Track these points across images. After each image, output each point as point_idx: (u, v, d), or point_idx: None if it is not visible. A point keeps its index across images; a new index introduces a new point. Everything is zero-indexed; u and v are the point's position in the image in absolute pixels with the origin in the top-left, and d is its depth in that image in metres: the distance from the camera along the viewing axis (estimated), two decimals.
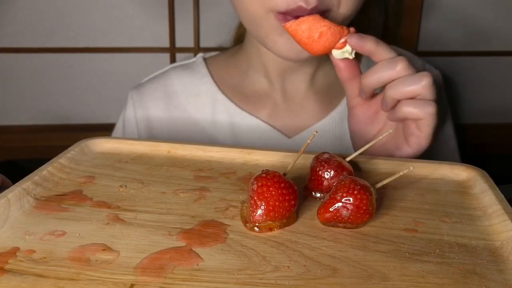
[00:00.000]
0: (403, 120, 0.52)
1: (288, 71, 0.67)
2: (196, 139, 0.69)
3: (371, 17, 0.76)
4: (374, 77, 0.50)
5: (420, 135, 0.51)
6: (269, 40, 0.58)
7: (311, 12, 0.52)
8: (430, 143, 0.52)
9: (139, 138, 0.68)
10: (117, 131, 0.76)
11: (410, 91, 0.49)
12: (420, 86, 0.49)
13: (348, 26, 0.63)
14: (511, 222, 0.36)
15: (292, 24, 0.51)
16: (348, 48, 0.51)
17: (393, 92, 0.50)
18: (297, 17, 0.52)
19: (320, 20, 0.51)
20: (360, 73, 0.54)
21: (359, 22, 0.73)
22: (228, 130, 0.69)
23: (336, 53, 0.52)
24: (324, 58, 0.68)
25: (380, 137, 0.44)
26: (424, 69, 0.73)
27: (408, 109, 0.50)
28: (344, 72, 0.53)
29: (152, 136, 0.72)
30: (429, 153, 0.54)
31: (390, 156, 0.53)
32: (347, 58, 0.53)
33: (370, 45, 0.50)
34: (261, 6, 0.55)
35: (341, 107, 0.68)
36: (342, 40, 0.51)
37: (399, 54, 0.71)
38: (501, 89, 0.97)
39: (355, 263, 0.33)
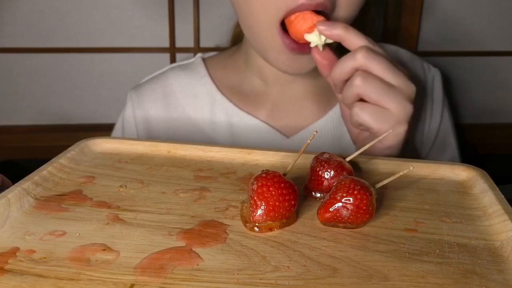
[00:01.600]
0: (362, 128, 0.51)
1: (286, 74, 0.67)
2: (195, 139, 0.69)
3: (370, 16, 0.76)
4: (338, 69, 0.50)
5: (381, 146, 0.51)
6: (270, 56, 0.59)
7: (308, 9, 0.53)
8: (399, 147, 0.51)
9: (139, 138, 0.68)
10: (116, 131, 0.76)
11: (349, 68, 0.49)
12: (354, 60, 0.48)
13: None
14: (511, 222, 0.36)
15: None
16: (317, 32, 0.51)
17: (335, 73, 0.50)
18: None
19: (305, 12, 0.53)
20: None
21: (358, 22, 0.73)
22: (227, 130, 0.69)
23: (308, 37, 0.52)
24: None
25: (380, 137, 0.44)
26: (422, 69, 0.73)
27: (363, 118, 0.49)
28: (322, 65, 0.53)
29: (151, 136, 0.72)
30: (414, 148, 0.53)
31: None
32: (324, 50, 0.53)
33: (339, 31, 0.50)
34: (266, 15, 0.55)
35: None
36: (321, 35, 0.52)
37: (395, 53, 0.71)
38: (501, 89, 0.98)
39: (355, 263, 0.33)
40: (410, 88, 0.50)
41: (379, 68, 0.48)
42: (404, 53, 0.74)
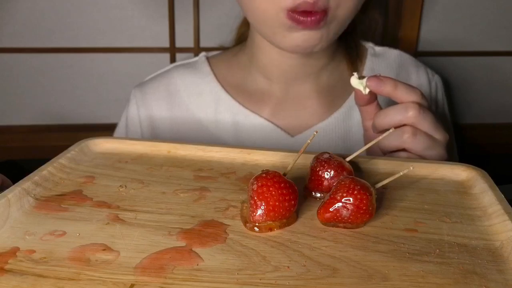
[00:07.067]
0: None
1: (290, 72, 0.67)
2: (199, 138, 0.69)
3: (371, 17, 0.76)
4: (386, 119, 0.51)
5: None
6: (278, 37, 0.59)
7: (315, 6, 0.54)
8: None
9: (139, 138, 0.68)
10: (119, 129, 0.76)
11: (397, 121, 0.50)
12: (405, 116, 0.49)
13: (349, 27, 0.64)
14: (511, 222, 0.36)
15: None
16: (364, 81, 0.51)
17: (381, 121, 0.51)
18: (304, 12, 0.55)
19: None
20: (376, 99, 0.53)
21: (359, 23, 0.73)
22: (231, 128, 0.69)
23: (353, 82, 0.52)
24: (328, 59, 0.68)
25: (380, 137, 0.44)
26: (427, 76, 0.73)
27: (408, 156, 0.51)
28: (358, 98, 0.53)
29: (155, 135, 0.72)
30: None
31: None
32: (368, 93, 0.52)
33: (388, 88, 0.50)
34: (271, 6, 0.56)
35: (345, 108, 0.68)
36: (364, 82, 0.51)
37: (399, 58, 0.71)
38: (501, 89, 0.97)
39: (355, 263, 0.33)
40: (446, 138, 0.52)
41: (427, 125, 0.50)
42: (408, 59, 0.74)
